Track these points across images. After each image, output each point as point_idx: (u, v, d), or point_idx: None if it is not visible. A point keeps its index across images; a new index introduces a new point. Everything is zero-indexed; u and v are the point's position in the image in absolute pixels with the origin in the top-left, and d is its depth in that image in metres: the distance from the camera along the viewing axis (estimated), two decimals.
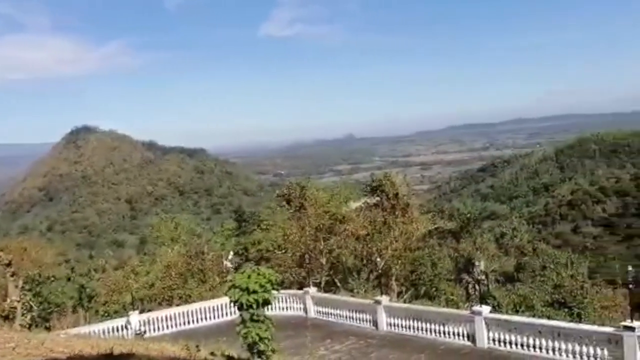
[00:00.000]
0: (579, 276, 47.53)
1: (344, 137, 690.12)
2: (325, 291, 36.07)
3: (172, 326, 27.98)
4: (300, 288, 31.41)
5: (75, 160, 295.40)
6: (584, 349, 17.82)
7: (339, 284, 39.30)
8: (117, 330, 26.53)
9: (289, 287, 34.36)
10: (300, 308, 29.13)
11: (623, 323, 17.15)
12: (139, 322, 26.88)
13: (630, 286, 18.88)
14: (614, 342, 17.12)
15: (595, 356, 17.56)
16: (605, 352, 17.33)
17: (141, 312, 28.78)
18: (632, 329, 16.60)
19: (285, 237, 39.25)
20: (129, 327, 26.53)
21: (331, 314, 27.28)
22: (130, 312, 27.42)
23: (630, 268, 20.16)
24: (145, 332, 26.32)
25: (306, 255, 37.75)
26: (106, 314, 36.32)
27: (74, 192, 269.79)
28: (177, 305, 32.25)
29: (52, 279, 43.70)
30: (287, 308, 29.47)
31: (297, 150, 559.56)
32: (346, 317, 26.31)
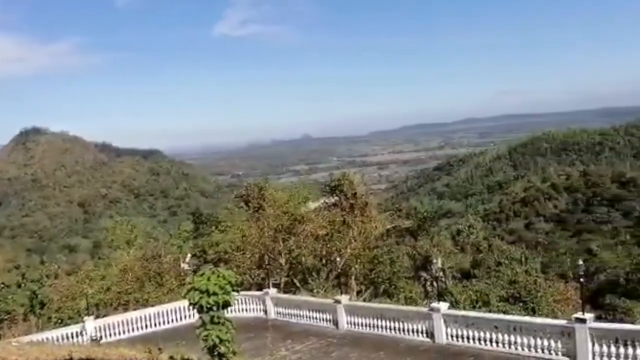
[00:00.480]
0: (532, 271, 48.99)
1: (301, 137, 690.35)
2: (285, 292, 35.98)
3: (129, 331, 27.40)
4: (260, 289, 31.23)
5: (25, 163, 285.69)
6: (539, 341, 18.30)
7: (298, 285, 39.25)
8: (72, 336, 25.81)
9: (249, 289, 34.09)
10: (260, 309, 28.96)
11: (575, 315, 17.65)
12: (95, 327, 26.24)
13: (581, 279, 19.48)
14: (567, 334, 17.63)
15: (549, 348, 18.05)
16: (559, 344, 17.84)
17: (96, 317, 28.07)
18: (583, 320, 17.11)
19: (244, 239, 38.96)
20: (84, 333, 25.85)
21: (291, 314, 27.23)
22: (86, 318, 26.72)
23: (580, 262, 20.77)
24: (101, 337, 25.71)
25: (265, 256, 37.64)
26: (60, 321, 35.23)
27: (23, 196, 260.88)
28: (134, 309, 31.59)
29: (2, 285, 42.19)
30: (247, 310, 29.25)
31: (254, 150, 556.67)
32: (306, 317, 26.29)
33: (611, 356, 16.66)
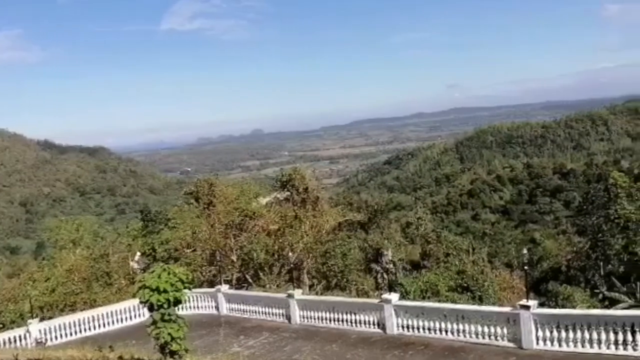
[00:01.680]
0: (479, 261, 50.46)
1: (252, 132, 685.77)
2: (237, 288, 35.88)
3: (77, 333, 26.68)
4: (212, 286, 31.00)
5: None
6: (485, 329, 18.90)
7: (250, 280, 39.15)
8: (16, 340, 24.95)
9: (200, 286, 33.81)
10: (212, 306, 28.74)
11: (519, 302, 18.33)
12: (40, 330, 25.44)
13: (525, 268, 20.23)
14: (512, 321, 18.29)
15: (495, 335, 18.67)
16: (505, 330, 18.48)
17: (41, 320, 27.21)
18: (527, 307, 17.79)
19: (195, 235, 38.54)
20: (28, 336, 25.04)
21: (244, 310, 27.13)
22: (30, 321, 25.86)
23: (524, 251, 21.57)
24: (46, 340, 24.96)
25: (216, 253, 37.35)
26: (1, 325, 34.01)
27: None
28: (82, 310, 30.82)
29: None
30: (199, 307, 28.97)
31: (204, 146, 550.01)
32: (259, 312, 26.27)
33: (553, 340, 17.42)
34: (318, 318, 23.66)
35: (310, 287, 39.93)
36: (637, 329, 15.97)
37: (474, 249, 55.59)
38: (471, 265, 46.64)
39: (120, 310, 28.10)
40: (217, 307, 28.45)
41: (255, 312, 26.47)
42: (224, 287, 28.90)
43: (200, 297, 29.10)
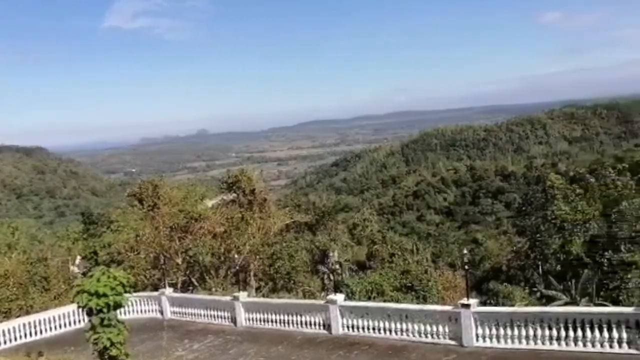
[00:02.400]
0: (423, 261, 51.49)
1: (198, 133, 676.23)
2: (182, 291, 35.26)
3: (11, 340, 25.57)
4: (156, 290, 30.39)
5: None
6: (428, 327, 19.30)
7: (196, 283, 38.59)
8: None
9: (144, 290, 33.09)
10: (156, 310, 28.19)
11: (460, 301, 18.81)
12: None
13: (466, 267, 20.77)
14: (454, 319, 18.75)
15: (437, 333, 19.10)
16: (446, 328, 18.94)
17: None
18: (468, 306, 18.28)
19: (138, 238, 37.63)
20: None
21: (189, 313, 26.75)
22: None
23: (465, 251, 22.15)
24: None
25: (161, 256, 36.55)
26: None
27: None
28: (17, 317, 29.59)
29: None
30: (142, 311, 28.36)
31: (148, 147, 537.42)
32: (204, 315, 25.96)
33: (492, 337, 17.96)
34: (264, 320, 23.60)
35: (257, 289, 39.71)
36: (571, 325, 16.67)
37: (418, 249, 56.69)
38: (415, 265, 47.49)
39: (59, 316, 27.13)
40: (161, 311, 27.92)
41: (201, 315, 26.14)
42: (169, 291, 28.41)
43: (144, 301, 28.50)
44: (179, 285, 37.14)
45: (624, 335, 15.79)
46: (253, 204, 41.16)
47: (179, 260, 38.02)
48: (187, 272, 38.98)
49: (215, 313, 25.49)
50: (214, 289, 36.02)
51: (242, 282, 33.16)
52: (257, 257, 39.35)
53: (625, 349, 15.74)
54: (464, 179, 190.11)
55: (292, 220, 47.07)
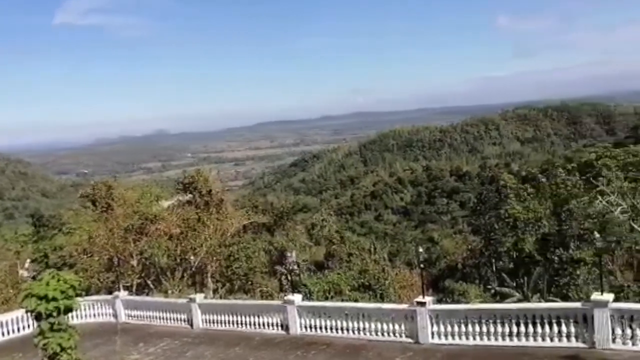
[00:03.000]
0: (381, 260, 52.02)
1: (155, 133, 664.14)
2: (137, 294, 34.63)
3: None
4: (110, 293, 29.71)
5: None
6: (385, 326, 19.47)
7: (152, 286, 37.95)
8: None
9: (97, 293, 32.35)
10: (110, 314, 27.54)
11: (416, 299, 19.06)
12: None
13: (422, 266, 21.05)
14: (410, 317, 18.97)
15: (394, 332, 19.29)
16: (403, 326, 19.14)
17: None
18: (423, 304, 18.54)
19: (91, 241, 36.74)
20: None
21: (144, 316, 26.25)
22: None
23: (421, 250, 22.47)
24: None
25: (115, 258, 35.82)
26: None
27: None
28: None
29: None
30: (95, 315, 27.65)
31: (102, 147, 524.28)
32: (160, 318, 25.53)
33: (447, 334, 18.27)
34: (221, 322, 23.40)
35: (214, 290, 39.34)
36: (523, 321, 17.11)
37: (376, 249, 57.21)
38: (373, 264, 47.97)
39: (7, 322, 26.16)
40: (115, 315, 27.30)
41: (156, 318, 25.71)
42: (123, 294, 27.82)
43: (97, 305, 27.81)
44: (134, 287, 36.47)
45: (572, 329, 16.31)
46: (210, 205, 40.73)
47: (134, 263, 37.33)
48: (143, 275, 38.29)
49: (172, 315, 25.12)
50: (170, 291, 35.54)
51: (198, 284, 32.87)
52: (214, 258, 39.01)
53: (573, 342, 16.24)
54: (420, 179, 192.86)
55: (250, 221, 46.78)
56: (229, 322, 23.13)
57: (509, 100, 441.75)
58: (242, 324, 22.72)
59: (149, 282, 38.44)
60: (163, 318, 25.42)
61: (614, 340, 15.64)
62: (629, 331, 15.48)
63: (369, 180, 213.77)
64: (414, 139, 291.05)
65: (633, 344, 15.40)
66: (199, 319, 23.97)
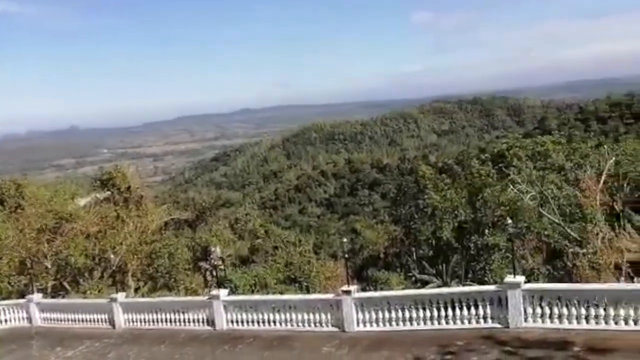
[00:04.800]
0: (306, 253, 52.32)
1: (67, 128, 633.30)
2: (53, 296, 33.13)
3: None
4: (23, 297, 28.23)
5: None
6: (312, 316, 19.74)
7: (68, 287, 36.40)
8: None
9: (8, 297, 30.65)
10: (23, 318, 26.16)
11: (341, 289, 19.43)
12: None
13: (346, 256, 21.47)
14: (336, 307, 19.33)
15: (320, 321, 19.60)
16: (329, 316, 19.48)
17: None
18: (348, 292, 18.94)
19: (0, 242, 34.74)
20: None
21: (61, 319, 25.14)
22: None
23: (345, 240, 22.91)
24: None
25: (27, 260, 34.10)
26: None
27: None
28: None
29: None
30: (7, 320, 26.21)
31: (9, 144, 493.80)
32: (79, 320, 24.54)
33: (372, 321, 18.77)
34: (144, 320, 22.87)
35: (136, 289, 38.31)
36: (443, 305, 17.86)
37: (300, 242, 57.44)
38: (298, 257, 48.25)
39: None
40: (29, 319, 25.98)
41: (75, 320, 24.70)
42: (37, 297, 26.50)
43: (9, 309, 26.35)
44: (49, 290, 34.85)
45: (489, 311, 17.20)
46: (129, 202, 39.60)
47: (48, 264, 35.65)
48: (58, 276, 36.68)
49: (92, 317, 24.23)
50: (88, 292, 34.22)
51: (119, 283, 31.87)
52: (135, 256, 37.95)
53: (489, 323, 17.14)
54: (342, 171, 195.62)
55: (171, 217, 45.88)
56: (153, 321, 22.65)
57: (426, 95, 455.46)
58: (166, 321, 22.32)
59: (64, 283, 36.86)
60: (82, 320, 24.47)
61: (526, 319, 16.63)
62: (539, 310, 16.51)
63: (293, 173, 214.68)
64: (335, 132, 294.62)
65: (543, 322, 16.44)
66: (121, 318, 23.28)
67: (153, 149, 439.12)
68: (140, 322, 22.97)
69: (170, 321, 22.26)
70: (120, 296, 23.82)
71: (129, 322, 23.25)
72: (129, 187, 40.11)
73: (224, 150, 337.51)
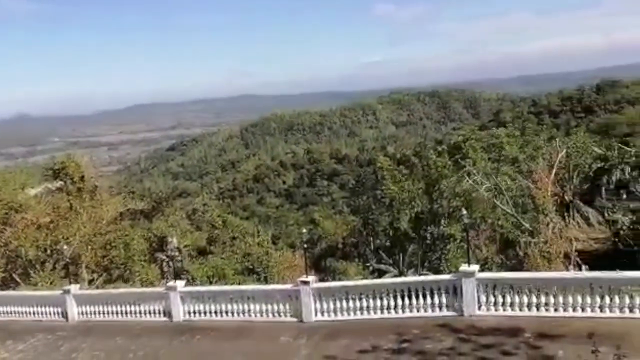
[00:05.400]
0: (264, 243, 52.24)
1: (15, 116, 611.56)
2: (2, 289, 32.18)
3: None
4: None
5: None
6: (270, 307, 19.76)
7: (18, 280, 35.39)
8: None
9: None
10: None
11: (300, 279, 19.51)
12: None
13: (304, 246, 21.54)
14: (294, 297, 19.39)
15: (279, 312, 19.65)
16: (287, 306, 19.54)
17: None
18: (307, 283, 19.02)
19: None
20: None
21: (12, 312, 24.42)
22: None
23: (304, 231, 22.98)
24: None
25: None
26: None
27: None
28: None
29: None
30: None
31: None
32: (30, 313, 23.89)
33: (330, 311, 18.91)
34: (99, 312, 22.46)
35: (90, 281, 37.52)
36: (399, 294, 18.14)
37: (259, 232, 57.37)
38: (257, 247, 48.14)
39: None
40: None
41: (26, 313, 24.03)
42: None
43: None
44: None
45: (444, 299, 17.57)
46: (82, 192, 38.59)
47: None
48: (8, 268, 35.65)
49: (44, 309, 23.62)
50: (40, 284, 33.34)
51: (72, 275, 31.14)
52: (89, 247, 37.13)
53: (445, 311, 17.51)
54: (301, 162, 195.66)
55: (127, 207, 45.00)
56: (107, 313, 22.26)
57: (384, 86, 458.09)
58: (122, 313, 21.97)
59: (14, 276, 35.84)
60: (34, 312, 23.82)
61: (479, 307, 17.06)
62: (492, 298, 16.96)
63: (251, 163, 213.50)
64: (295, 123, 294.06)
65: (496, 310, 16.90)
66: (74, 311, 22.79)
67: (107, 137, 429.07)
68: (95, 314, 22.54)
69: (126, 313, 21.93)
70: (74, 288, 23.31)
71: (82, 315, 22.78)
72: (82, 177, 39.08)
73: (181, 139, 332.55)
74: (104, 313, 22.36)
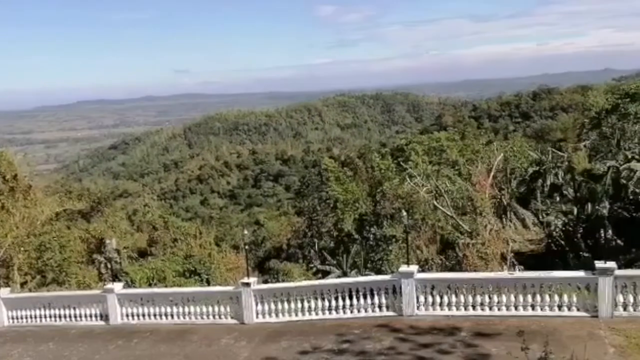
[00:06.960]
0: (207, 245, 51.58)
1: None
2: None
3: None
4: None
5: None
6: (211, 309, 19.56)
7: None
8: None
9: None
10: None
11: (241, 281, 19.38)
12: None
13: (246, 247, 21.45)
14: (235, 299, 19.26)
15: (220, 314, 19.49)
16: (228, 308, 19.39)
17: None
18: (248, 284, 18.92)
19: None
20: None
21: None
22: None
23: (246, 232, 22.86)
24: None
25: None
26: None
27: None
28: None
29: None
30: None
31: None
32: None
33: (271, 312, 18.88)
34: (31, 317, 21.62)
35: (22, 284, 36.09)
36: (341, 295, 18.29)
37: (201, 233, 56.50)
38: (199, 249, 47.47)
39: None
40: None
41: None
42: None
43: None
44: None
45: (384, 300, 17.83)
46: (15, 191, 37.05)
47: None
48: None
49: None
50: None
51: (3, 278, 29.94)
52: (22, 249, 35.75)
53: (385, 311, 17.77)
54: (246, 162, 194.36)
55: (63, 208, 43.50)
56: (41, 317, 21.45)
57: (329, 88, 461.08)
58: (56, 317, 21.24)
59: None
60: None
61: (418, 307, 17.41)
62: (430, 298, 17.34)
63: (195, 163, 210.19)
64: (240, 123, 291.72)
65: (434, 309, 17.28)
66: (4, 315, 21.84)
67: (45, 134, 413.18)
68: (27, 318, 21.69)
69: (61, 317, 21.21)
70: (4, 292, 22.39)
71: (13, 319, 21.87)
72: (15, 176, 37.52)
73: (122, 138, 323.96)
74: (36, 317, 21.54)
